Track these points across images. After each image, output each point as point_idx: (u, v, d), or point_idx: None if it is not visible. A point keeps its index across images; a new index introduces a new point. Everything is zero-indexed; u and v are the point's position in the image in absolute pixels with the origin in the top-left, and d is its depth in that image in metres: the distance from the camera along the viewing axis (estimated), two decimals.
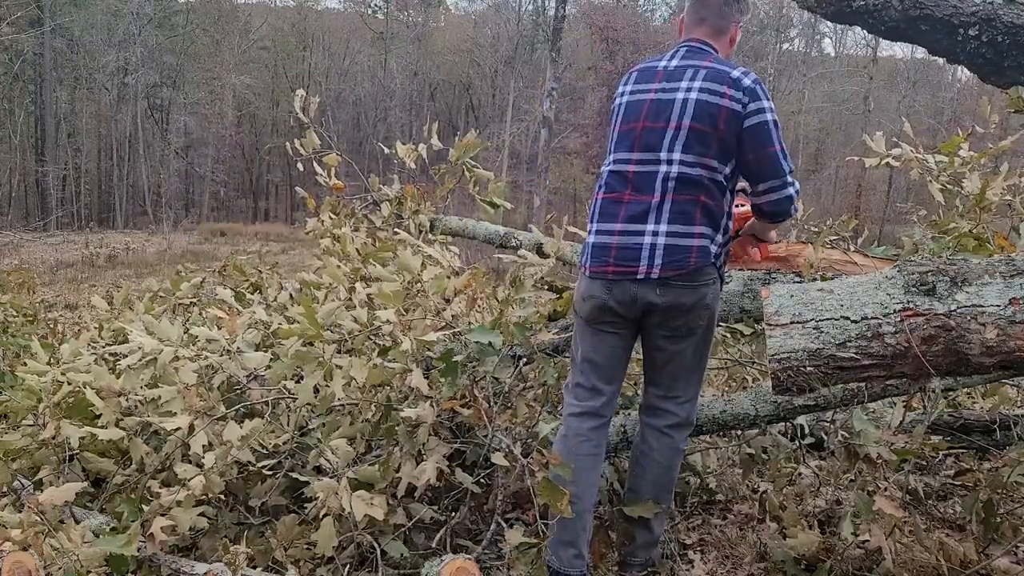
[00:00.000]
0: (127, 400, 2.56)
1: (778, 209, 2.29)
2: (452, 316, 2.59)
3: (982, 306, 1.72)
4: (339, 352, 2.49)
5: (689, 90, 2.24)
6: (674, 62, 2.32)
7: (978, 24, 2.45)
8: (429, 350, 2.60)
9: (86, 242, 19.98)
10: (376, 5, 40.18)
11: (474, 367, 2.50)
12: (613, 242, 2.26)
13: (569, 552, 2.28)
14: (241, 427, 2.38)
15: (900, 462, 2.53)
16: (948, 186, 2.99)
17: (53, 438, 2.49)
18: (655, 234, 2.21)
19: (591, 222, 2.34)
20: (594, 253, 2.30)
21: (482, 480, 2.57)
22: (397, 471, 2.39)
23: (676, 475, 2.49)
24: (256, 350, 2.76)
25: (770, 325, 1.87)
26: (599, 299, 2.27)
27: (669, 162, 2.23)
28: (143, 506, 2.32)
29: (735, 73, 2.23)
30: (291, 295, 3.36)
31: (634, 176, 2.27)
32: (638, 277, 2.21)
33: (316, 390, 2.47)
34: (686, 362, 2.34)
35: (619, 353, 2.36)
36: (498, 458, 2.31)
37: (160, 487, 2.34)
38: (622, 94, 2.37)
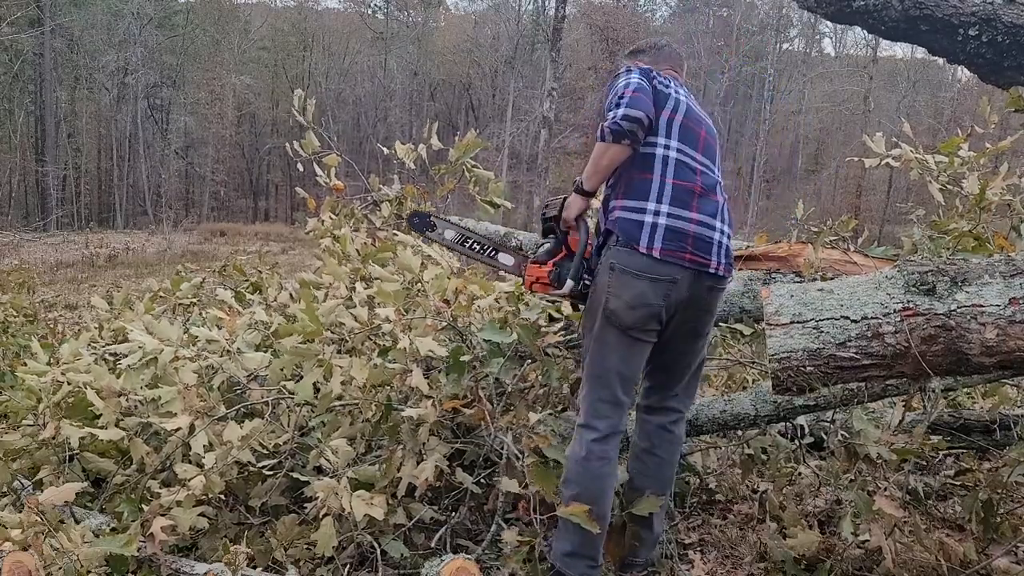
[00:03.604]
0: (127, 400, 2.56)
1: None
2: (452, 316, 2.59)
3: (982, 306, 1.72)
4: (339, 352, 2.49)
5: (710, 119, 2.43)
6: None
7: (978, 24, 2.45)
8: (431, 351, 2.59)
9: (86, 242, 19.98)
10: (376, 5, 40.23)
11: (476, 368, 2.51)
12: (691, 229, 2.20)
13: (584, 563, 2.26)
14: (241, 427, 2.38)
15: (900, 462, 2.53)
16: (948, 186, 2.99)
17: (53, 438, 2.49)
18: (722, 232, 2.28)
19: (656, 201, 2.20)
20: (669, 236, 2.17)
21: (482, 480, 2.57)
22: (398, 471, 2.39)
23: (676, 468, 2.52)
24: (256, 350, 2.76)
25: (770, 325, 1.87)
26: (655, 306, 2.18)
27: (719, 175, 2.37)
28: (143, 506, 2.32)
29: None
30: (291, 295, 3.36)
31: (702, 172, 2.29)
32: (710, 270, 2.23)
33: (316, 388, 2.48)
34: (701, 357, 2.42)
35: (644, 362, 2.31)
36: (510, 485, 2.30)
37: (160, 487, 2.34)
38: (673, 89, 2.30)
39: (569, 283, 2.26)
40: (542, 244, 2.33)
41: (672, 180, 2.23)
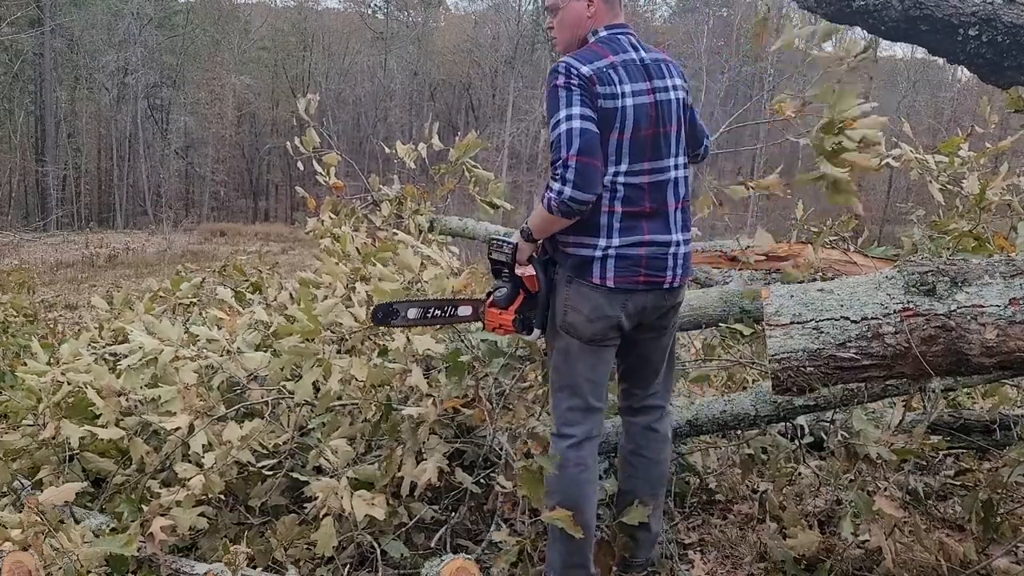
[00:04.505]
0: (127, 400, 2.56)
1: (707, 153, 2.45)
2: None
3: (982, 306, 1.72)
4: (339, 352, 2.49)
5: (676, 88, 2.21)
6: (642, 54, 2.20)
7: (978, 24, 2.44)
8: (429, 349, 2.60)
9: (86, 242, 20.00)
10: (376, 5, 40.27)
11: (476, 367, 2.51)
12: (643, 253, 2.15)
13: (580, 573, 2.25)
14: (241, 427, 2.38)
15: (900, 462, 2.53)
16: (948, 186, 3.00)
17: (53, 438, 2.49)
18: (676, 244, 2.21)
19: (606, 237, 2.14)
20: (620, 265, 2.14)
21: (482, 480, 2.57)
22: (398, 470, 2.39)
23: (669, 467, 2.49)
24: (256, 350, 2.76)
25: (770, 325, 1.87)
26: (614, 317, 2.16)
27: (676, 167, 2.22)
28: (143, 506, 2.32)
29: (676, 63, 2.28)
30: (291, 295, 3.37)
31: (650, 186, 2.17)
32: (664, 287, 2.19)
33: (316, 388, 2.48)
34: (669, 353, 2.38)
35: (610, 366, 2.31)
36: (506, 485, 2.30)
37: (160, 487, 2.34)
38: (620, 95, 2.10)
39: (537, 332, 2.30)
40: (498, 287, 2.34)
41: (621, 208, 2.14)
